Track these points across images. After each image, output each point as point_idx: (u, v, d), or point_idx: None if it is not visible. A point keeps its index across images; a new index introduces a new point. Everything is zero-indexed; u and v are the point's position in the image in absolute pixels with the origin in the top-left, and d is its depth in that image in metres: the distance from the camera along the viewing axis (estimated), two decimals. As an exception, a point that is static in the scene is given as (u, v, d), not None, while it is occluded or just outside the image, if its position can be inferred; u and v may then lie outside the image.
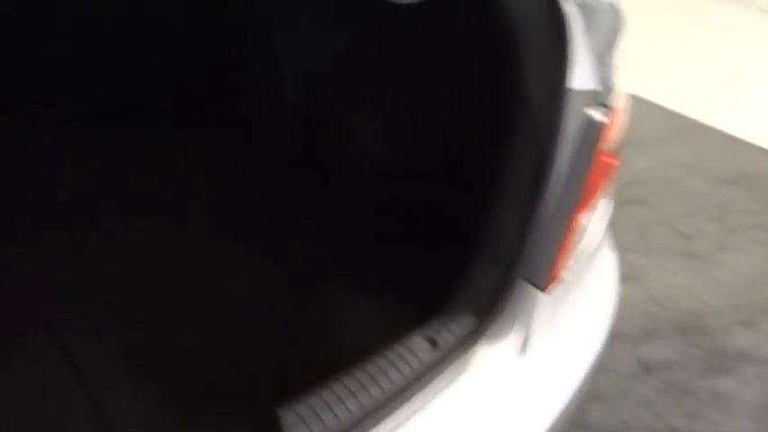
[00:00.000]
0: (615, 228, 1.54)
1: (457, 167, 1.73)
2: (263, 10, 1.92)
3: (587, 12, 1.17)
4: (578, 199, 1.17)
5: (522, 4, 1.16)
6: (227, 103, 2.23)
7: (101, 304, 1.44)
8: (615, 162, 1.21)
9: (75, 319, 1.40)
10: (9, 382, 1.28)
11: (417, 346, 1.09)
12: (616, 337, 2.66)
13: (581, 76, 1.12)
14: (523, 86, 1.17)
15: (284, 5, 1.90)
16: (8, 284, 1.43)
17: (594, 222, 1.28)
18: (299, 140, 2.08)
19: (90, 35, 1.93)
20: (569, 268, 1.23)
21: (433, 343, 1.11)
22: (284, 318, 1.52)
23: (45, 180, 1.76)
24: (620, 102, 1.16)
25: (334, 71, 1.97)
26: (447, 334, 1.12)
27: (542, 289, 1.18)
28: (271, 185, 1.96)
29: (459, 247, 1.41)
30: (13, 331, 1.33)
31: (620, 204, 3.19)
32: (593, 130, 1.14)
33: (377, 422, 0.98)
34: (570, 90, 1.11)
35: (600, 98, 1.15)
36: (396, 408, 1.00)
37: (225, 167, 1.98)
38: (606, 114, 1.13)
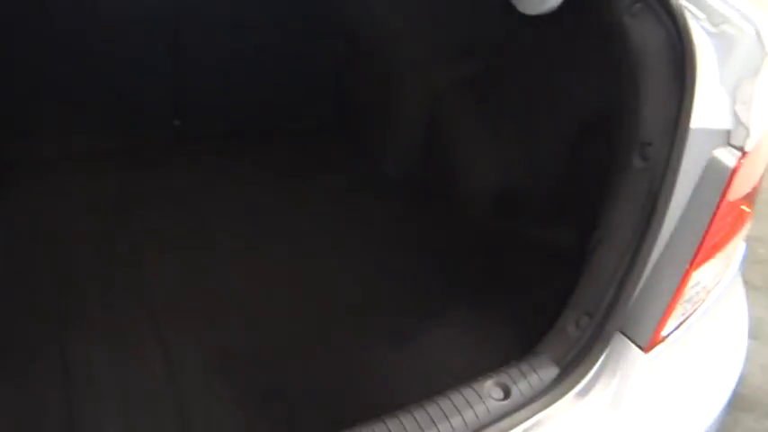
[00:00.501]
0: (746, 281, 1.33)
1: (570, 206, 1.62)
2: (395, 41, 1.94)
3: (725, 41, 1.03)
4: (696, 252, 1.02)
5: (648, 37, 1.06)
6: (352, 126, 2.29)
7: (201, 312, 1.52)
8: (747, 211, 1.04)
9: (177, 323, 1.48)
10: (109, 361, 1.38)
11: (488, 393, 1.01)
12: (739, 406, 2.30)
13: (708, 113, 0.99)
14: (639, 123, 1.06)
15: (416, 38, 1.91)
16: (125, 289, 1.55)
17: (718, 277, 1.12)
18: (417, 166, 2.06)
19: (229, 63, 2.05)
20: (681, 328, 1.08)
21: (507, 392, 1.01)
22: (370, 339, 1.50)
23: (168, 190, 1.89)
24: (757, 143, 1.00)
25: (456, 100, 1.94)
26: (523, 384, 1.02)
27: (644, 349, 1.04)
28: (385, 207, 1.96)
29: (559, 290, 1.30)
30: (122, 329, 1.45)
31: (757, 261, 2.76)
32: (720, 174, 0.99)
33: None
34: (692, 129, 0.98)
35: (732, 138, 1.00)
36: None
37: (342, 187, 2.02)
38: (737, 157, 0.98)
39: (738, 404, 1.51)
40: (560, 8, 1.32)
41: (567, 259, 1.65)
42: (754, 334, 1.38)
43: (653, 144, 1.03)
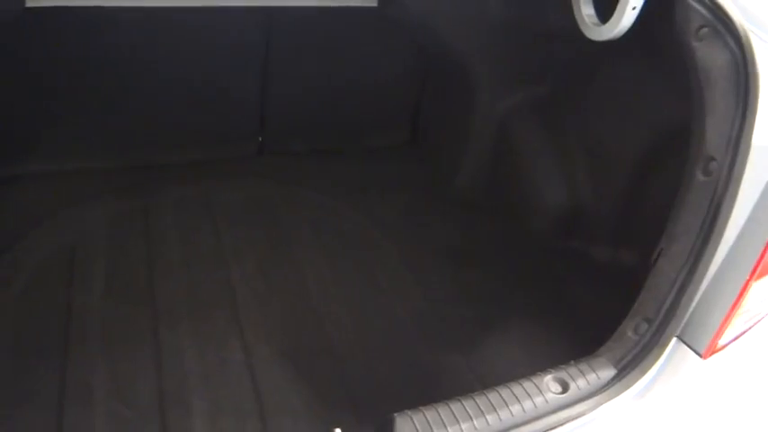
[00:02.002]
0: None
1: (636, 225, 1.66)
2: (469, 64, 2.04)
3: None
4: (756, 263, 1.06)
5: (714, 59, 1.12)
6: (424, 144, 2.40)
7: (280, 313, 1.64)
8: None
9: (255, 319, 1.60)
10: (195, 350, 1.51)
11: (547, 386, 1.07)
12: None
13: (770, 130, 1.03)
14: (704, 139, 1.11)
15: (490, 62, 2.01)
16: (210, 287, 1.69)
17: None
18: (486, 184, 2.15)
19: (311, 83, 2.20)
20: (741, 339, 1.11)
21: (565, 387, 1.07)
22: (433, 343, 1.57)
23: (250, 199, 2.04)
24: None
25: (525, 121, 2.02)
26: (581, 381, 1.08)
27: (702, 356, 1.08)
28: (453, 222, 2.05)
29: (619, 307, 1.35)
30: (207, 323, 1.58)
31: None
32: (782, 191, 1.03)
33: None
34: (755, 146, 1.03)
35: (795, 156, 1.04)
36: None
37: (412, 201, 2.12)
38: (799, 174, 1.02)
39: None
40: (628, 33, 1.39)
41: (629, 278, 1.70)
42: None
43: (716, 159, 1.08)
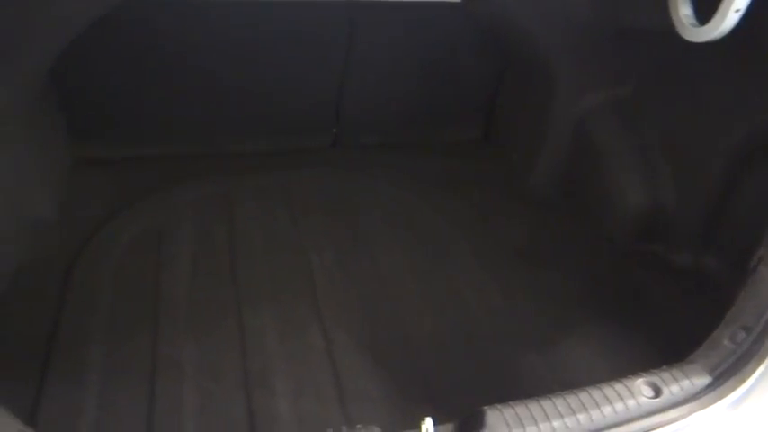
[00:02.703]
0: None
1: (723, 230, 1.61)
2: (550, 64, 2.02)
3: None
4: None
5: None
6: (499, 142, 2.38)
7: (358, 303, 1.67)
8: None
9: (335, 308, 1.64)
10: (278, 333, 1.55)
11: (638, 390, 1.05)
12: None
13: None
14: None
15: (572, 63, 1.98)
16: (290, 273, 1.73)
17: None
18: (561, 183, 2.12)
19: (389, 79, 2.22)
20: None
21: (657, 391, 1.05)
22: (510, 340, 1.57)
23: (325, 190, 2.07)
24: None
25: (606, 121, 1.98)
26: (675, 386, 1.06)
27: (804, 368, 1.04)
28: (528, 220, 2.03)
29: (700, 304, 1.31)
30: (288, 308, 1.63)
31: None
32: None
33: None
34: None
35: None
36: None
37: (487, 198, 2.11)
38: None
39: None
40: (725, 36, 1.35)
41: (713, 285, 1.65)
42: None
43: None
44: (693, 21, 1.43)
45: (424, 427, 1.00)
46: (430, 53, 2.19)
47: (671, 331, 1.56)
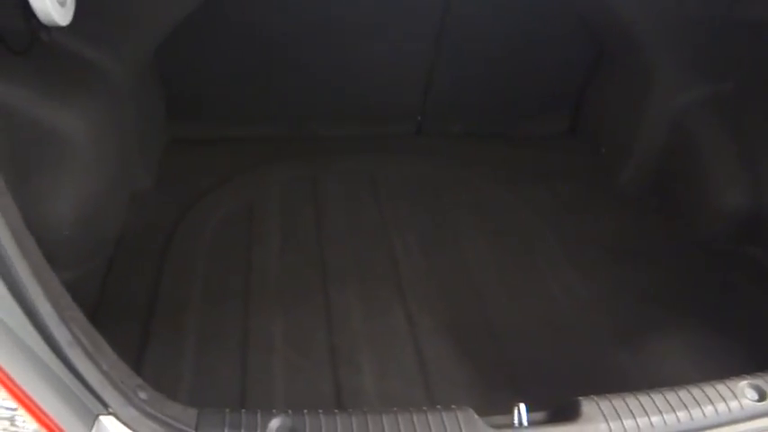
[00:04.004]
0: None
1: None
2: (647, 58, 1.96)
3: None
4: None
5: None
6: (589, 136, 2.33)
7: (441, 289, 1.68)
8: None
9: (417, 291, 1.66)
10: (363, 314, 1.59)
11: (741, 392, 1.02)
12: None
13: None
14: None
15: (670, 57, 1.92)
16: (380, 266, 1.75)
17: None
18: (653, 181, 2.06)
19: (475, 69, 2.21)
20: None
21: (762, 395, 1.02)
22: (598, 334, 1.55)
23: (408, 176, 2.09)
24: None
25: (702, 118, 1.91)
26: (782, 391, 1.02)
27: None
28: (616, 218, 1.99)
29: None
30: (373, 291, 1.65)
31: None
32: None
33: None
34: None
35: None
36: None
37: (574, 194, 2.08)
38: None
39: None
40: None
41: None
42: None
43: None
44: None
45: (516, 411, 1.00)
46: (521, 40, 2.16)
47: (764, 335, 1.51)
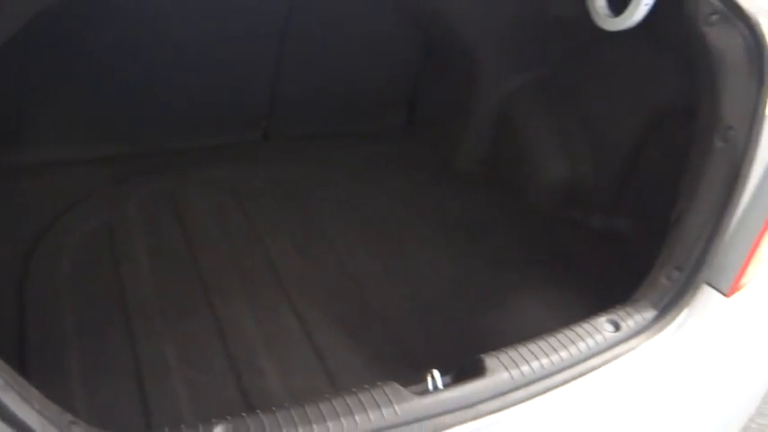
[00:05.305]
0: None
1: (634, 195, 1.85)
2: (472, 49, 2.19)
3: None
4: (769, 215, 1.26)
5: (726, 42, 1.30)
6: (423, 127, 2.54)
7: (322, 283, 1.75)
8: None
9: (302, 291, 1.71)
10: (253, 319, 1.61)
11: (602, 327, 1.24)
12: None
13: (781, 102, 1.23)
14: (721, 111, 1.30)
15: (493, 48, 2.16)
16: (259, 269, 1.77)
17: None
18: (486, 163, 2.31)
19: (315, 71, 2.29)
20: (757, 280, 1.31)
21: (617, 326, 1.24)
22: (471, 303, 1.73)
23: (273, 185, 2.13)
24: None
25: (526, 102, 2.19)
26: (630, 321, 1.25)
27: (726, 294, 1.28)
28: (459, 199, 2.20)
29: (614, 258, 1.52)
30: (259, 295, 1.68)
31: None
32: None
33: (563, 380, 1.15)
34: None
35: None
36: (580, 372, 1.16)
37: (420, 180, 2.26)
38: (804, 139, 1.22)
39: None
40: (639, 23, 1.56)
41: (624, 241, 1.89)
42: None
43: (734, 128, 1.27)
44: (608, 11, 1.64)
45: (430, 377, 1.12)
46: (358, 41, 2.28)
47: (597, 282, 1.79)
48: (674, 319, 1.27)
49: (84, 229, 1.78)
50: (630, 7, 1.54)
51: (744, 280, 1.29)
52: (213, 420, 0.97)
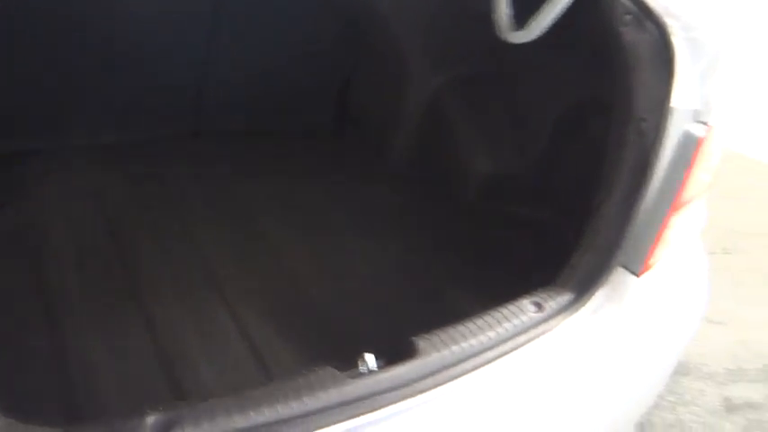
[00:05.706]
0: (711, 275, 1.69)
1: (554, 185, 1.95)
2: (397, 48, 2.24)
3: (695, 45, 1.39)
4: (675, 201, 1.36)
5: (638, 40, 1.39)
6: (350, 127, 2.57)
7: (255, 277, 1.75)
8: (709, 173, 1.39)
9: (237, 288, 1.71)
10: (185, 318, 1.59)
11: (526, 308, 1.31)
12: (701, 375, 2.76)
13: (684, 97, 1.33)
14: (635, 104, 1.39)
15: (418, 45, 2.21)
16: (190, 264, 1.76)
17: (688, 225, 1.47)
18: (416, 159, 2.37)
19: (243, 68, 2.29)
20: (664, 260, 1.42)
21: (540, 307, 1.32)
22: (403, 296, 1.77)
23: (203, 181, 2.11)
24: (717, 120, 1.36)
25: (452, 98, 2.26)
26: (551, 302, 1.32)
27: (637, 274, 1.37)
28: (390, 195, 2.25)
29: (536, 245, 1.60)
30: (191, 294, 1.66)
31: (716, 253, 3.23)
32: (692, 143, 1.34)
33: (491, 358, 1.20)
34: (674, 108, 1.32)
35: (700, 116, 1.35)
36: (506, 350, 1.22)
37: (352, 175, 2.29)
38: (704, 130, 1.33)
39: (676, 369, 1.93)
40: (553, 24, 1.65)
41: (546, 229, 1.99)
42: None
43: (646, 120, 1.36)
44: (510, 21, 1.70)
45: (361, 362, 1.15)
46: (286, 38, 2.29)
47: (524, 269, 1.87)
48: (590, 298, 1.35)
49: (4, 229, 1.71)
50: (534, 24, 1.62)
51: (652, 260, 1.38)
52: (146, 411, 0.96)
